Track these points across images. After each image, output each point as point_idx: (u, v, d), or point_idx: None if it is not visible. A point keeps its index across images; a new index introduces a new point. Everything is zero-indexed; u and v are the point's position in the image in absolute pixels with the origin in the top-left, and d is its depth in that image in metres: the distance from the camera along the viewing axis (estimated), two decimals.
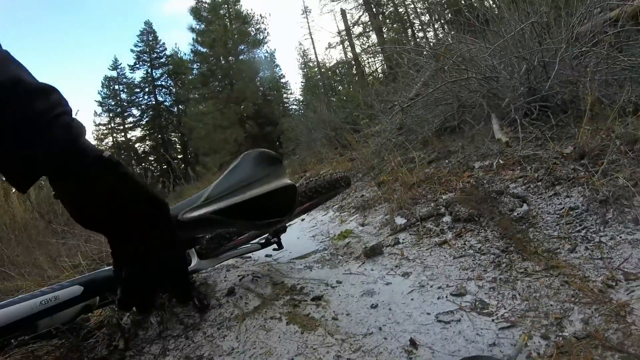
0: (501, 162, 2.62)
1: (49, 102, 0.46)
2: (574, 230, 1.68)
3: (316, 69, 28.48)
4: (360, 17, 24.07)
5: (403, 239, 2.21)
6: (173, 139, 32.28)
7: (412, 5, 22.66)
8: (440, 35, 18.00)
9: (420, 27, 22.26)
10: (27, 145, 0.43)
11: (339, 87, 26.73)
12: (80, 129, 0.49)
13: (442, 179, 2.81)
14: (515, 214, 1.94)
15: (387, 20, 23.42)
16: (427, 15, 21.69)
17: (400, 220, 2.47)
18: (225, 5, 26.83)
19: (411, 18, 22.88)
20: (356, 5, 23.62)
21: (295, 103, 32.03)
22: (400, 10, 23.17)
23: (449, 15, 16.84)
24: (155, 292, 0.57)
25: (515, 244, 1.71)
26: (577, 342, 1.12)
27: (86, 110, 34.43)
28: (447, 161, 3.24)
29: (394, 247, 2.15)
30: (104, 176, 0.49)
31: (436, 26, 20.64)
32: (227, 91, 23.63)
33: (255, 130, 23.60)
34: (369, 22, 23.67)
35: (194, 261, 1.66)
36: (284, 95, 32.04)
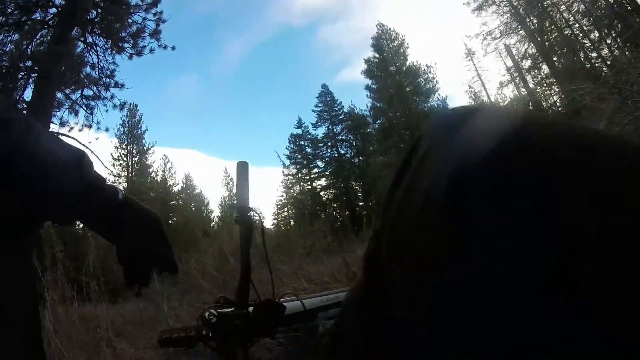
0: None
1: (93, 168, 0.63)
2: None
3: None
4: (526, 49, 22.78)
5: None
6: (355, 187, 34.36)
7: (577, 25, 20.33)
8: (616, 52, 15.77)
9: (591, 47, 19.72)
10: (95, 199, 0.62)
11: None
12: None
13: None
14: None
15: (555, 47, 21.45)
16: (595, 32, 19.14)
17: None
18: (394, 62, 28.66)
19: (579, 38, 20.47)
20: (520, 39, 22.59)
21: None
22: (566, 32, 21.00)
23: (619, 27, 14.77)
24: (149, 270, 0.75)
25: None
26: None
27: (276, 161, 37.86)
28: None
29: None
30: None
31: (608, 41, 18.11)
32: (408, 142, 24.45)
33: None
34: (537, 54, 22.11)
35: None
36: None
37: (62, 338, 1.95)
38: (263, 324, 1.05)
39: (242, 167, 0.99)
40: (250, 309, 1.03)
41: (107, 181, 0.66)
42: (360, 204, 33.76)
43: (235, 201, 1.02)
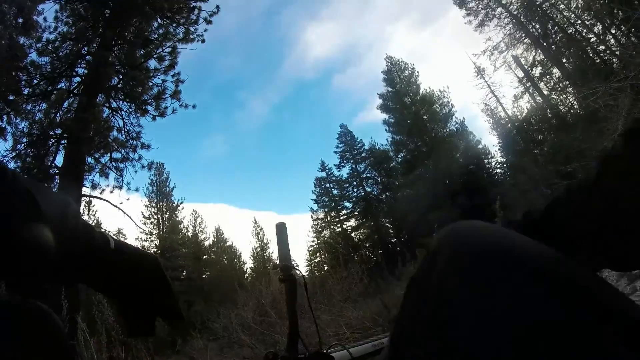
0: None
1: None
2: None
3: (509, 126, 27.23)
4: (534, 57, 22.75)
5: None
6: (386, 224, 33.98)
7: (579, 21, 20.16)
8: (622, 40, 15.64)
9: (597, 41, 19.52)
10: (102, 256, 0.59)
11: (539, 137, 24.70)
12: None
13: None
14: None
15: (562, 49, 21.32)
16: (598, 24, 18.95)
17: None
18: (407, 93, 29.61)
19: (584, 35, 20.28)
20: (526, 47, 22.66)
21: (498, 166, 30.73)
22: (570, 31, 20.80)
23: (620, 14, 14.62)
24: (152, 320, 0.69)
25: None
26: None
27: (304, 208, 37.83)
28: None
29: None
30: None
31: (613, 31, 17.92)
32: (432, 172, 24.37)
33: (467, 203, 23.28)
34: (545, 59, 22.06)
35: None
36: (485, 161, 31.20)
37: None
38: None
39: (281, 229, 1.05)
40: None
41: (95, 229, 0.61)
42: (393, 240, 33.25)
43: (277, 261, 1.06)
